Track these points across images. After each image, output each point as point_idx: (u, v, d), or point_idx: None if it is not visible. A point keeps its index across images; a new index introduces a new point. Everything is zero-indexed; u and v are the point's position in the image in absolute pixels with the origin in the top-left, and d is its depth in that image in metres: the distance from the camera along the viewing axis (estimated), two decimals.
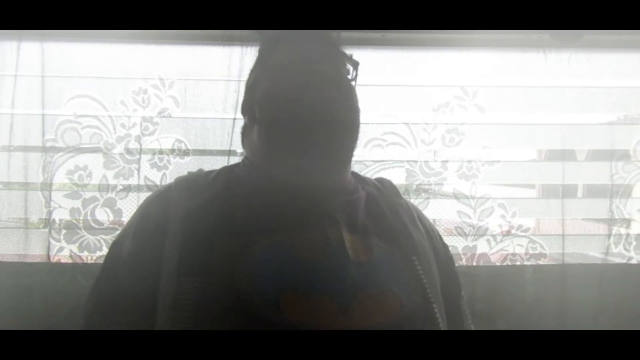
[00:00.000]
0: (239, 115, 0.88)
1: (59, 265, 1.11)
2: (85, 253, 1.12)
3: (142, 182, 1.13)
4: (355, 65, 0.83)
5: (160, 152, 1.14)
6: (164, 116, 1.14)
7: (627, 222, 1.19)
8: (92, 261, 1.11)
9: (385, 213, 0.77)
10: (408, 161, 1.17)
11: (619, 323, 1.11)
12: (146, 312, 0.68)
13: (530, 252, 1.18)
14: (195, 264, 0.67)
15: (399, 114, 1.17)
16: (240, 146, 0.88)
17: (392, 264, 0.71)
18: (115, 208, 1.13)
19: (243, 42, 1.12)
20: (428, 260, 0.76)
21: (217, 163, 1.13)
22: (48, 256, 1.10)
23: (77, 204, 1.12)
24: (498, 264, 1.18)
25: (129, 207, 1.13)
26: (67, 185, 1.12)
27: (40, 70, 1.12)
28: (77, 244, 1.12)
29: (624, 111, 1.22)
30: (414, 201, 1.15)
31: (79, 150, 1.12)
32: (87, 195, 1.12)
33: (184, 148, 1.14)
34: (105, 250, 1.11)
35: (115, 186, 1.13)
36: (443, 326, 0.71)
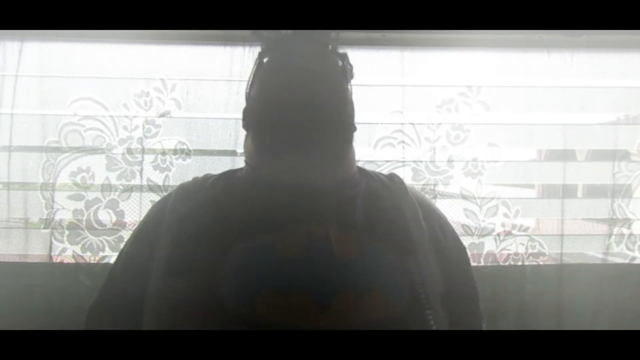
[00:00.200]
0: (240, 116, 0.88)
1: (62, 265, 1.12)
2: (88, 254, 1.12)
3: (144, 183, 1.13)
4: (342, 57, 0.82)
5: (163, 153, 1.15)
6: (164, 117, 1.14)
7: (630, 221, 1.19)
8: (95, 262, 1.12)
9: (386, 209, 0.76)
10: (415, 161, 1.17)
11: (620, 323, 1.11)
12: (139, 312, 0.69)
13: (530, 250, 1.17)
14: (180, 265, 0.68)
15: (403, 112, 1.17)
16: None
17: (383, 262, 0.69)
18: (118, 209, 1.13)
19: (245, 42, 1.12)
20: (427, 260, 0.73)
21: (219, 164, 1.14)
22: (50, 256, 1.11)
23: (80, 205, 1.13)
24: (502, 263, 1.17)
25: (131, 209, 1.14)
26: (67, 185, 1.13)
27: (43, 71, 1.13)
28: (80, 245, 1.12)
29: (627, 111, 1.21)
30: None
31: (84, 151, 1.13)
32: (90, 196, 1.13)
33: (186, 149, 1.15)
34: (107, 251, 1.12)
35: (116, 186, 1.13)
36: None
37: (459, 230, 1.14)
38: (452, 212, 1.17)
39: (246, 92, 0.83)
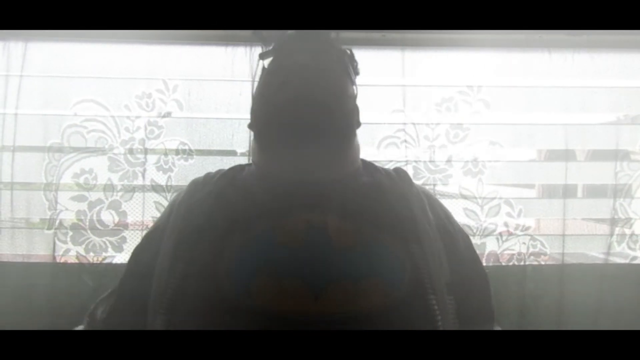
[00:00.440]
0: (242, 116, 0.89)
1: (66, 265, 1.12)
2: (91, 254, 1.13)
3: (147, 183, 1.14)
4: (345, 54, 0.84)
5: (165, 154, 1.15)
6: (165, 117, 1.15)
7: (631, 221, 1.18)
8: (98, 262, 1.12)
9: (390, 200, 0.77)
10: (416, 161, 1.17)
11: (621, 323, 1.10)
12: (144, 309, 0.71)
13: (531, 250, 1.17)
14: (183, 250, 0.70)
15: (404, 111, 1.17)
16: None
17: (383, 251, 0.70)
18: (120, 210, 1.14)
19: (247, 42, 1.13)
20: (433, 250, 0.73)
21: (221, 164, 1.14)
22: (54, 257, 1.12)
23: (83, 206, 1.13)
24: (504, 263, 1.17)
25: (133, 209, 1.14)
26: (69, 186, 1.14)
27: (46, 72, 1.14)
28: (83, 246, 1.13)
29: (627, 111, 1.21)
30: None
31: (87, 152, 1.13)
32: (93, 197, 1.14)
33: (188, 150, 1.15)
34: (110, 252, 1.13)
35: (117, 186, 1.14)
36: (443, 319, 0.68)
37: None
38: (453, 212, 1.16)
39: (252, 93, 0.85)
